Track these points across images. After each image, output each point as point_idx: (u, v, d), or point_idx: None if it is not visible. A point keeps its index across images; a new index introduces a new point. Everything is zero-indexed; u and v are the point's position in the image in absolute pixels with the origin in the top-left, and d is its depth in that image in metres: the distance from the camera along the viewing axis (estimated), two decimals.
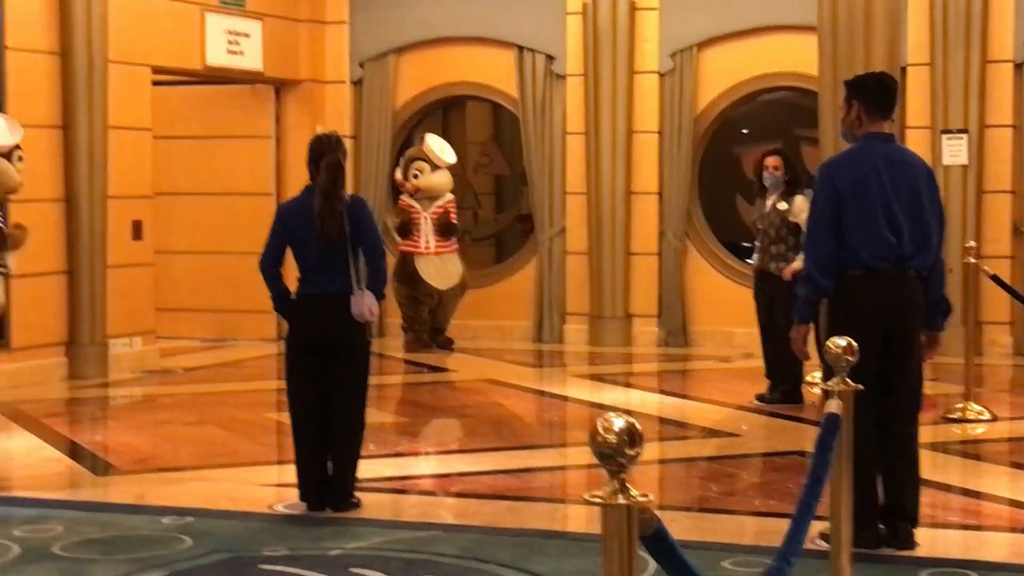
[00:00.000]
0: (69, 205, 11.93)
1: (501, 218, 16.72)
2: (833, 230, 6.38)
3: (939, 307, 6.56)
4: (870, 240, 6.34)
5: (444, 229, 13.74)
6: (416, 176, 13.75)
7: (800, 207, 10.33)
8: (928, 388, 7.91)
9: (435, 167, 13.75)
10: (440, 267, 13.79)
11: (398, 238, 13.89)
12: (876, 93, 6.53)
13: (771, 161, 10.58)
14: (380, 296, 7.26)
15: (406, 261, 13.77)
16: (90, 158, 11.99)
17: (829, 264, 6.39)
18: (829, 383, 5.27)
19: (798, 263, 10.13)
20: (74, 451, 9.06)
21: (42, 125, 11.66)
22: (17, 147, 9.16)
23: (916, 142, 12.56)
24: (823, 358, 5.50)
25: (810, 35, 13.26)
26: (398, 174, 13.96)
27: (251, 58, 14.21)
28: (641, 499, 3.06)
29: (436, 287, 13.74)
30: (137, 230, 12.75)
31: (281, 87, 14.92)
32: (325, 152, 7.23)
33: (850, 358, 5.26)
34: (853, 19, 12.53)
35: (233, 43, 13.96)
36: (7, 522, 7.07)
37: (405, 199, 13.84)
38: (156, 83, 13.37)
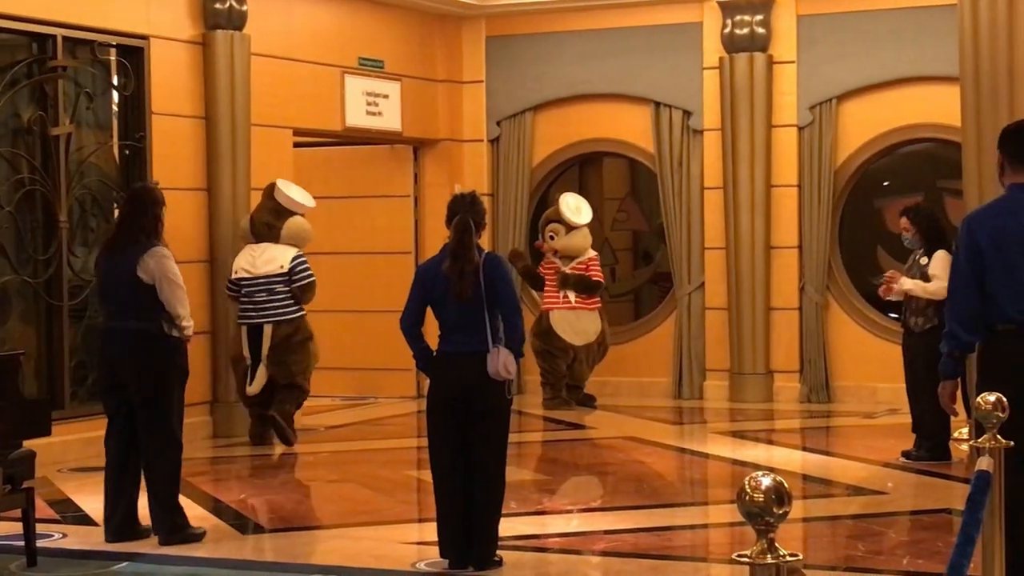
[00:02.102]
0: (212, 265, 12.12)
1: (639, 274, 16.68)
2: (976, 285, 6.17)
3: None
4: (1015, 294, 6.15)
5: (581, 286, 13.72)
6: (552, 238, 13.82)
7: (936, 262, 10.21)
8: None
9: (569, 228, 13.78)
10: (574, 322, 13.76)
11: (534, 292, 14.02)
12: (1015, 143, 6.29)
13: (902, 223, 10.60)
14: (517, 354, 7.23)
15: (541, 315, 13.83)
16: (234, 220, 12.16)
17: (971, 320, 6.19)
18: (979, 440, 5.15)
19: (902, 286, 10.14)
20: (219, 510, 9.14)
21: (187, 188, 11.89)
22: None
23: None
24: (971, 414, 5.37)
25: (951, 85, 13.03)
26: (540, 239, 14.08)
27: (390, 118, 14.38)
28: (791, 559, 3.00)
29: (570, 342, 13.72)
30: None
31: (419, 147, 15.07)
32: (458, 212, 7.30)
33: (1000, 414, 5.14)
34: (996, 69, 12.28)
35: (372, 104, 14.15)
36: None
37: (549, 257, 13.91)
38: (297, 145, 13.58)
